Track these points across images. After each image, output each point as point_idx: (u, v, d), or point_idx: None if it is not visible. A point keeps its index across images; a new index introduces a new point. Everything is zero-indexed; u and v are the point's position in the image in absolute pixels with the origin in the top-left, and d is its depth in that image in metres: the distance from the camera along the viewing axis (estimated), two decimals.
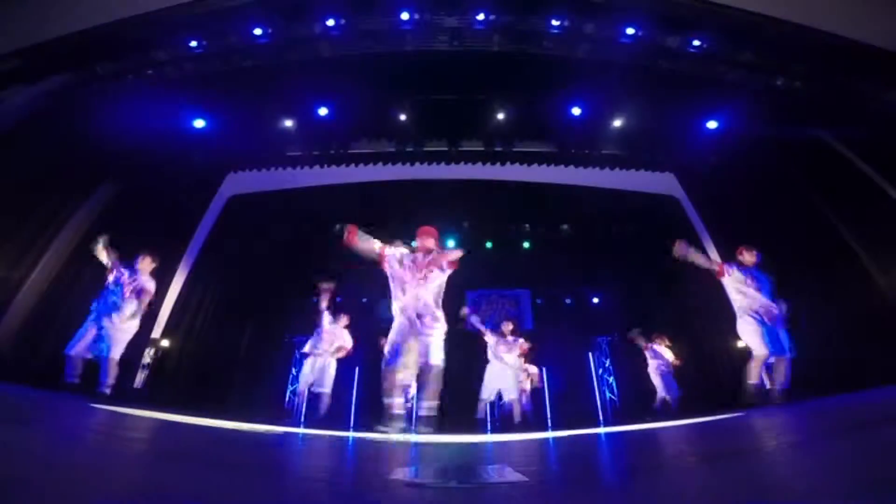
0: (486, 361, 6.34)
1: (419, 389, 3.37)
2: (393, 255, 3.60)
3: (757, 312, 4.21)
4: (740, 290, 4.32)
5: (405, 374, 3.37)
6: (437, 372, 3.33)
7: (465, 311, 6.11)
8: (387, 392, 3.29)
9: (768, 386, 4.20)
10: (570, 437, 3.50)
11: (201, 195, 8.17)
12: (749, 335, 4.22)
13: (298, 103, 7.25)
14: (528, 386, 7.15)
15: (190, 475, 1.17)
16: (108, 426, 2.12)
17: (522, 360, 6.61)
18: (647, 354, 7.05)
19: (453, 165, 8.25)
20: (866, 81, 5.67)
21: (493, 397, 6.35)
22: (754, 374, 4.09)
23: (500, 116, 7.34)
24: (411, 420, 3.44)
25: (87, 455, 1.29)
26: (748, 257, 4.45)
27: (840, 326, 5.64)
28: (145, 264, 4.64)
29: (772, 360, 4.11)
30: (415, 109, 7.33)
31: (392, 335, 3.43)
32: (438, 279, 3.59)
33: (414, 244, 3.76)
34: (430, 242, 3.72)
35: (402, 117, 7.33)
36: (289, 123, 7.43)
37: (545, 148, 8.05)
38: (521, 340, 6.44)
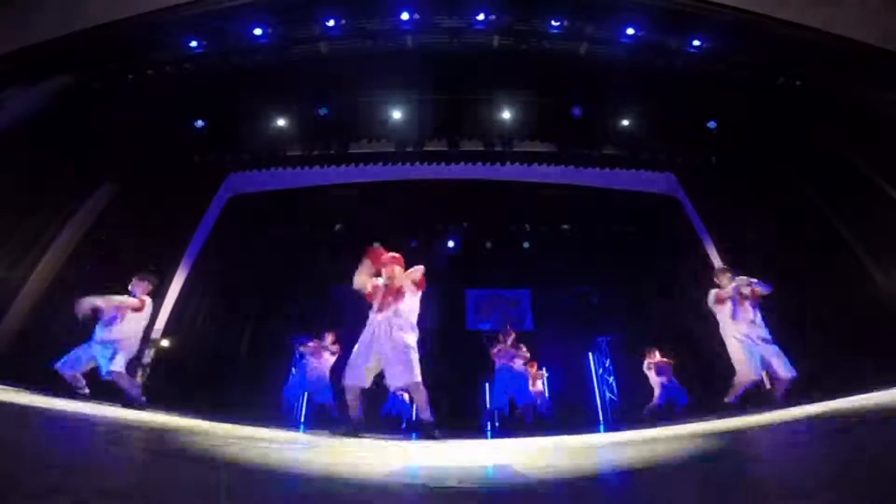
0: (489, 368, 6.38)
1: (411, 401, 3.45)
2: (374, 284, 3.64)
3: (745, 336, 4.18)
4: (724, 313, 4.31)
5: (365, 378, 3.39)
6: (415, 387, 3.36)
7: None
8: (350, 410, 3.37)
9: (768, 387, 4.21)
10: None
11: (201, 195, 8.17)
12: (739, 359, 4.18)
13: (298, 103, 7.25)
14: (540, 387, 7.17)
15: (184, 474, 1.17)
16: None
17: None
18: (650, 370, 6.97)
19: (453, 165, 8.24)
20: (866, 81, 5.67)
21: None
22: (733, 393, 4.11)
23: (501, 116, 7.34)
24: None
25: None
26: (723, 281, 4.40)
27: (840, 327, 5.63)
28: (141, 288, 4.59)
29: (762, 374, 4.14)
30: (415, 109, 7.33)
31: (359, 342, 3.48)
32: (411, 300, 3.58)
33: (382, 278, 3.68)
34: (398, 270, 3.63)
35: (402, 117, 7.33)
36: (289, 123, 7.43)
37: (545, 148, 8.05)
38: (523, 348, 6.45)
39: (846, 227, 6.07)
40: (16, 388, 3.71)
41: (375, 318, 3.49)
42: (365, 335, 3.49)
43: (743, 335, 4.18)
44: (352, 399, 3.36)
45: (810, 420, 2.47)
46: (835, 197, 6.24)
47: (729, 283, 4.34)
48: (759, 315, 4.26)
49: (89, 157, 6.29)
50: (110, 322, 4.34)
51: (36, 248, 5.82)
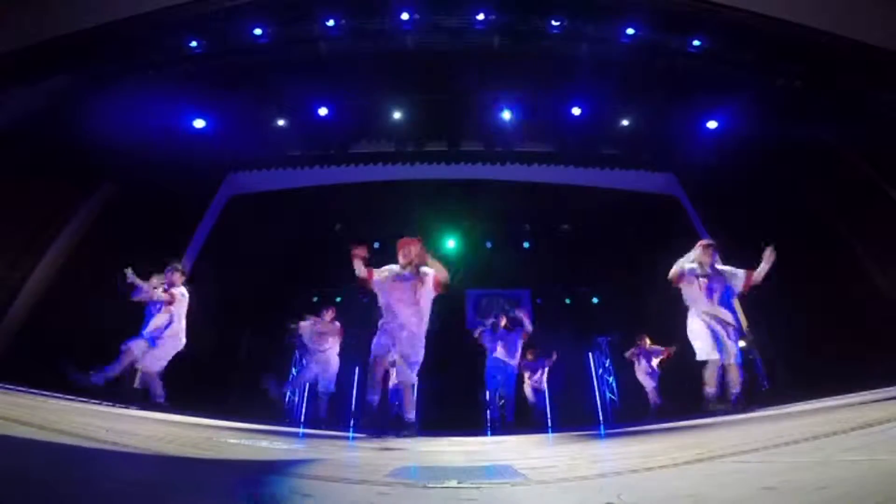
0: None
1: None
2: (380, 275, 3.62)
3: (707, 315, 4.01)
4: (691, 289, 4.13)
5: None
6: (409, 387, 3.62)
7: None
8: (369, 387, 3.44)
9: (721, 392, 4.02)
10: None
11: (201, 195, 8.17)
12: (698, 337, 4.03)
13: (298, 103, 7.26)
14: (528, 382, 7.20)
15: (192, 471, 1.17)
16: None
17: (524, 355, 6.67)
18: (638, 358, 7.03)
19: (453, 165, 8.25)
20: (866, 81, 5.67)
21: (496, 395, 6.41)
22: (711, 380, 3.92)
23: (501, 116, 7.34)
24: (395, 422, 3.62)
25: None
26: (703, 256, 4.18)
27: (839, 326, 5.63)
28: (175, 278, 4.66)
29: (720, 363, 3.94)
30: (415, 109, 7.33)
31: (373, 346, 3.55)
32: (428, 302, 3.60)
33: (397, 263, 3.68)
34: (414, 250, 3.60)
35: (402, 117, 7.33)
36: (288, 123, 7.43)
37: (545, 148, 8.05)
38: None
39: (845, 227, 6.07)
40: (16, 389, 3.70)
41: (401, 312, 3.52)
42: (390, 327, 3.54)
43: (703, 312, 4.02)
44: (377, 377, 3.46)
45: None
46: (834, 197, 6.25)
47: (708, 260, 4.17)
48: (721, 296, 4.04)
49: (89, 157, 6.29)
50: (150, 314, 4.40)
51: (36, 248, 5.82)
